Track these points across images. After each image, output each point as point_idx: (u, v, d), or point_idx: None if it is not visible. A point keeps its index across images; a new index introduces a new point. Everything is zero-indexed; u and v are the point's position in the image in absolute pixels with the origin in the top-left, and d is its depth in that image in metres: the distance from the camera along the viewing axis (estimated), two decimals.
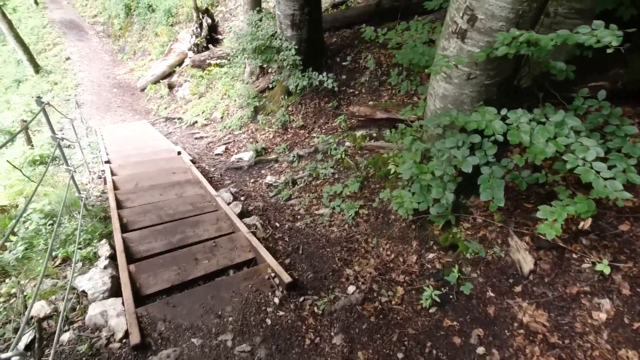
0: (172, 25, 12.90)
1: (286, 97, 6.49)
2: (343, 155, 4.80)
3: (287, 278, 2.93)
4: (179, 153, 5.87)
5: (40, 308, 2.47)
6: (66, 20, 16.55)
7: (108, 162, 5.48)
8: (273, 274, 3.03)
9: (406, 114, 3.50)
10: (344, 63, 6.34)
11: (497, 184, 2.54)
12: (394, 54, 5.31)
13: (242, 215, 4.09)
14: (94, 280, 2.74)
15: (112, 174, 5.02)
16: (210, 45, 9.48)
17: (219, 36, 10.09)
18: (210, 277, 3.18)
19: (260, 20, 6.19)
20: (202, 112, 8.22)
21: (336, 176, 4.64)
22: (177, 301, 2.71)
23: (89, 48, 14.96)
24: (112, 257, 3.13)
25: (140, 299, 2.82)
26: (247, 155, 5.60)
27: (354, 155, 4.80)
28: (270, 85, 7.09)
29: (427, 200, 3.12)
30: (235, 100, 7.55)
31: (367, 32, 4.01)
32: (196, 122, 8.06)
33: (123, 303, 2.59)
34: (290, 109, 6.22)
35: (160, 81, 11.09)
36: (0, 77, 14.16)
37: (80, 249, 3.22)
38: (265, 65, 7.72)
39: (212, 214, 3.98)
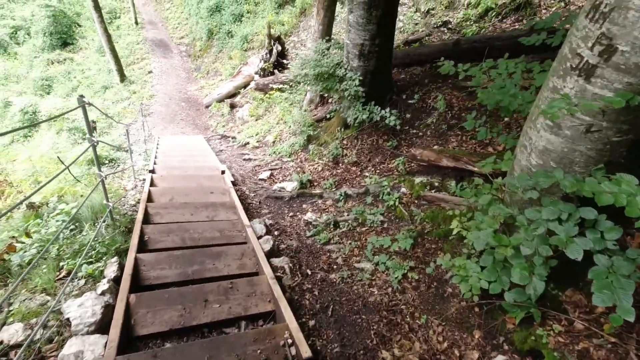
0: (245, 50, 13.50)
1: (342, 129, 6.07)
2: (397, 203, 4.15)
3: (306, 351, 2.29)
4: (223, 172, 5.62)
5: (13, 333, 2.09)
6: (157, 40, 18.22)
7: (152, 171, 5.37)
8: (290, 341, 2.41)
9: (486, 166, 2.82)
10: (410, 101, 5.82)
11: (622, 285, 1.75)
12: (471, 96, 4.68)
13: (271, 253, 3.57)
14: (84, 308, 2.33)
15: (152, 184, 4.85)
16: (275, 71, 9.58)
17: (286, 62, 10.19)
18: (217, 326, 2.65)
19: (328, 49, 5.95)
20: (256, 134, 8.11)
21: (385, 226, 3.98)
22: (166, 356, 2.19)
23: (170, 65, 16.17)
24: (117, 280, 2.75)
25: (129, 339, 2.35)
26: (290, 186, 5.17)
27: (409, 205, 4.13)
28: (328, 116, 6.76)
29: (501, 281, 2.36)
30: (290, 126, 7.32)
31: (445, 66, 3.46)
32: (248, 143, 7.94)
33: (106, 345, 2.13)
34: (344, 142, 5.77)
35: (225, 100, 11.41)
36: (93, 82, 15.72)
37: (89, 263, 2.90)
38: (325, 95, 7.48)
39: (238, 246, 3.51)
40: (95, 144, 3.08)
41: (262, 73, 9.94)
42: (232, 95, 11.48)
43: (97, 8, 12.75)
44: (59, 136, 11.48)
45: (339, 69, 5.38)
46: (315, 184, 5.18)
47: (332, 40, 6.38)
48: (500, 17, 7.01)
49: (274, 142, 7.36)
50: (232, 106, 10.61)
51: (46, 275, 2.65)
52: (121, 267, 2.89)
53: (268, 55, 9.86)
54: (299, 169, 5.80)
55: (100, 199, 3.72)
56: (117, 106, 12.81)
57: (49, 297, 2.48)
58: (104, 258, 3.05)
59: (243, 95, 10.70)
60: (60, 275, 2.79)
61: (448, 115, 5.28)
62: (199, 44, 16.95)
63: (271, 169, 6.16)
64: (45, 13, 18.95)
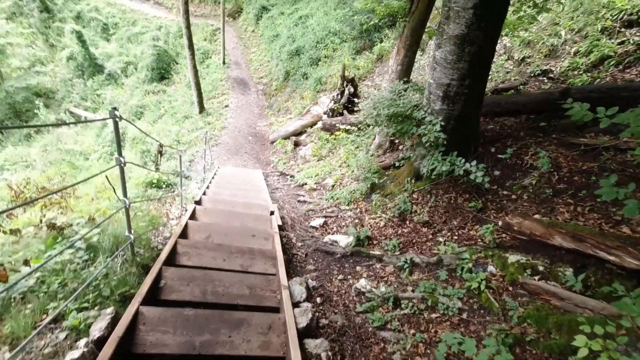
0: (318, 91, 13.54)
1: (413, 180, 5.19)
2: (482, 286, 3.08)
3: None
4: (272, 213, 5.01)
5: None
6: (239, 78, 19.49)
7: (198, 202, 4.96)
8: None
9: None
10: (500, 156, 4.79)
11: None
12: (587, 155, 3.62)
13: (307, 331, 2.72)
14: None
15: (193, 216, 4.39)
16: (345, 112, 9.18)
17: (357, 103, 9.78)
18: None
19: (405, 90, 5.29)
20: (315, 175, 7.54)
21: (465, 317, 2.92)
22: None
23: (246, 101, 16.95)
24: (101, 343, 2.11)
25: None
26: (344, 240, 4.34)
27: (500, 292, 3.03)
28: (397, 164, 5.95)
29: None
30: (353, 171, 6.62)
31: (576, 110, 2.51)
32: (306, 183, 7.37)
33: None
34: (415, 196, 4.86)
35: (290, 138, 11.26)
36: (177, 112, 17.01)
37: (80, 309, 2.32)
38: (396, 140, 6.73)
39: (267, 315, 2.72)
40: (123, 165, 2.63)
41: (330, 113, 9.62)
42: (298, 133, 11.30)
43: (190, 47, 13.93)
44: (137, 156, 12.21)
45: (416, 111, 4.63)
46: (375, 242, 4.28)
47: (411, 82, 5.72)
48: (621, 67, 5.80)
49: (333, 186, 6.69)
50: (296, 144, 10.35)
51: (24, 319, 2.12)
52: (114, 323, 2.27)
53: (339, 96, 9.56)
54: (357, 221, 4.97)
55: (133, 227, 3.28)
56: (191, 134, 13.44)
57: (7, 354, 1.91)
58: (103, 304, 2.47)
59: (309, 134, 10.43)
60: (44, 321, 2.24)
61: (554, 178, 4.15)
62: (275, 83, 17.67)
63: (326, 216, 5.42)
64: (152, 52, 21.61)
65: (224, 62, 20.67)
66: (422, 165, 4.57)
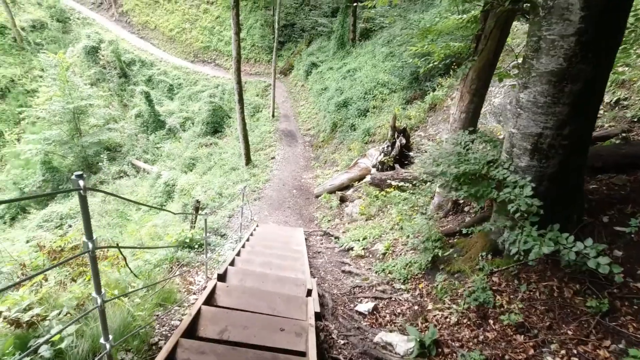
0: (366, 143, 12.89)
1: (490, 256, 3.99)
2: None
3: None
4: (309, 293, 4.03)
5: None
6: (287, 130, 19.68)
7: (221, 277, 4.15)
8: None
9: None
10: (619, 228, 3.49)
11: None
12: None
13: None
14: None
15: (209, 298, 3.55)
16: (397, 166, 8.25)
17: (410, 157, 8.83)
18: None
19: (472, 142, 4.31)
20: (363, 239, 6.51)
21: None
22: None
23: (293, 153, 16.78)
24: None
25: None
26: (402, 344, 3.18)
27: None
28: (465, 231, 4.77)
29: None
30: (408, 236, 5.52)
31: None
32: (352, 248, 6.35)
33: None
34: (495, 280, 3.64)
35: (336, 192, 10.47)
36: (225, 164, 17.26)
37: None
38: (461, 200, 5.59)
39: None
40: (91, 252, 1.88)
41: (380, 167, 8.75)
42: (345, 187, 10.50)
43: (240, 101, 14.26)
44: (179, 209, 12.09)
45: (493, 169, 3.57)
46: (447, 351, 3.06)
47: (478, 132, 4.72)
48: None
49: (384, 254, 5.59)
50: (342, 200, 9.49)
51: None
52: None
53: (389, 148, 8.72)
54: (418, 311, 3.80)
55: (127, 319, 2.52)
56: (235, 187, 13.23)
57: None
58: None
59: (356, 189, 9.56)
60: None
61: None
62: (322, 135, 17.44)
63: (376, 298, 4.31)
64: (207, 107, 22.94)
65: (273, 115, 21.18)
66: (506, 240, 3.41)
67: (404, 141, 8.61)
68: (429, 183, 6.24)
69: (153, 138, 23.75)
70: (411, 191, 6.53)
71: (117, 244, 1.95)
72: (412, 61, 4.20)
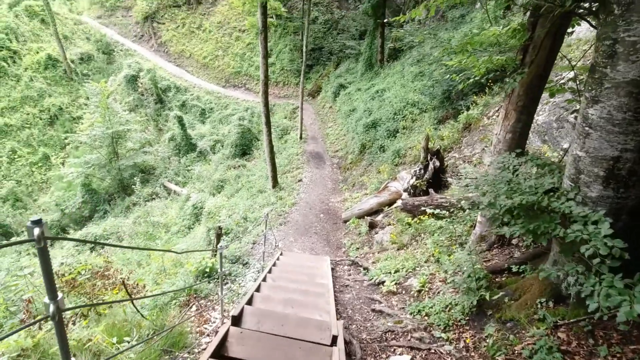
0: (396, 165, 12.32)
1: (551, 303, 3.31)
2: None
3: None
4: (333, 342, 3.49)
5: None
6: (314, 152, 19.47)
7: (236, 320, 3.70)
8: None
9: None
10: None
11: None
12: None
13: None
14: None
15: (219, 349, 3.11)
16: (431, 191, 7.61)
17: (444, 182, 8.18)
18: None
19: (521, 165, 3.72)
20: (395, 271, 5.89)
21: None
22: None
23: (320, 175, 16.44)
24: None
25: None
26: None
27: None
28: (515, 268, 4.09)
29: None
30: (446, 272, 4.88)
31: None
32: (383, 282, 5.75)
33: None
34: (563, 337, 2.95)
35: (365, 217, 9.91)
36: (252, 186, 17.19)
37: None
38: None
39: None
40: (55, 317, 1.51)
41: (412, 191, 8.15)
42: (374, 212, 9.92)
43: (268, 124, 14.22)
44: (204, 234, 11.93)
45: (555, 200, 2.96)
46: None
47: (528, 155, 4.10)
48: None
49: (419, 291, 4.96)
50: (372, 226, 8.91)
51: None
52: None
53: (422, 171, 8.12)
54: None
55: None
56: (261, 210, 12.96)
57: None
58: None
59: (386, 215, 8.97)
60: None
61: None
62: (350, 157, 17.04)
63: (412, 348, 3.70)
64: (237, 130, 23.31)
65: (300, 137, 21.11)
66: (573, 286, 2.75)
67: (437, 164, 8.00)
68: (468, 210, 5.60)
69: (184, 160, 24.35)
70: (448, 219, 5.88)
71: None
72: (449, 77, 3.77)
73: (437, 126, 12.15)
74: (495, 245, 4.80)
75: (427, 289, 4.90)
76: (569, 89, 3.92)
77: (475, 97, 10.82)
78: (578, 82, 3.73)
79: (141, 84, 29.99)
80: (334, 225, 11.04)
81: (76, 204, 22.14)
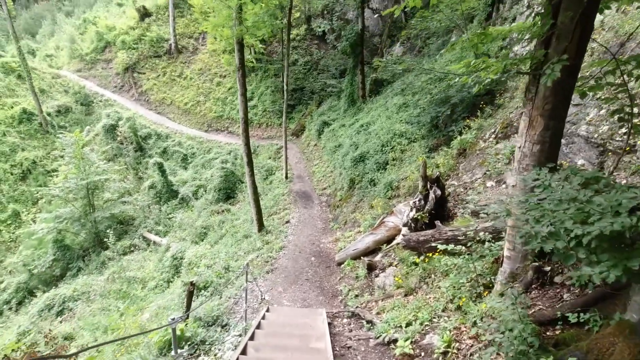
0: (389, 198, 11.47)
1: None
2: None
3: None
4: None
5: None
6: (301, 191, 18.57)
7: None
8: None
9: None
10: None
11: None
12: None
13: None
14: None
15: None
16: (437, 223, 6.67)
17: (448, 212, 7.30)
18: None
19: (558, 181, 2.89)
20: (407, 325, 4.79)
21: None
22: None
23: (309, 215, 15.42)
24: None
25: None
26: None
27: None
28: (572, 318, 3.09)
29: None
30: (475, 323, 3.83)
31: None
32: (395, 341, 4.61)
33: None
34: None
35: (361, 258, 8.84)
36: (237, 231, 15.98)
37: None
38: (546, 267, 3.93)
39: None
40: None
41: (413, 225, 7.20)
42: (372, 251, 8.87)
43: (250, 163, 13.41)
44: (180, 288, 10.54)
45: None
46: None
47: (569, 168, 3.27)
48: None
49: (445, 353, 3.86)
50: (371, 267, 7.83)
51: None
52: None
53: (422, 202, 7.24)
54: None
55: None
56: (247, 257, 11.73)
57: None
58: None
59: (386, 254, 7.93)
60: None
61: None
62: (339, 193, 16.18)
63: None
64: (220, 174, 22.39)
65: (286, 177, 20.29)
66: None
67: (438, 192, 7.15)
68: (488, 243, 4.66)
69: (165, 208, 23.03)
70: (466, 256, 4.90)
71: None
72: (460, 80, 3.12)
73: (429, 154, 11.53)
74: (533, 285, 3.82)
75: (454, 350, 3.80)
76: (607, 85, 3.20)
77: (468, 120, 10.32)
78: (621, 77, 3.01)
79: (120, 132, 29.20)
80: (327, 269, 9.87)
81: (46, 263, 20.30)
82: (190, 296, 5.86)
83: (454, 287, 4.68)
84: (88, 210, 22.04)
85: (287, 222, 14.43)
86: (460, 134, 10.30)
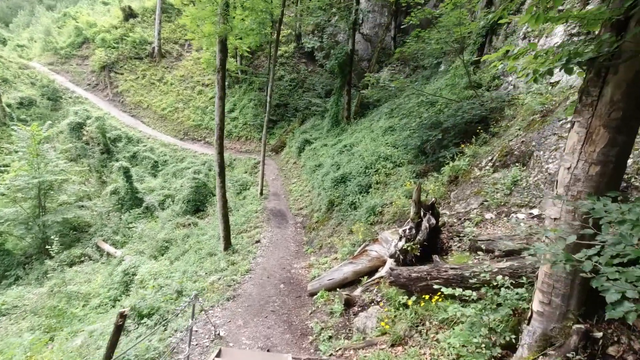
0: (371, 224, 10.48)
1: None
2: None
3: None
4: None
5: None
6: (276, 210, 17.34)
7: None
8: None
9: None
10: None
11: None
12: None
13: None
14: None
15: None
16: (435, 257, 5.65)
17: (442, 245, 6.34)
18: None
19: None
20: None
21: None
22: None
23: (282, 235, 14.19)
24: None
25: None
26: None
27: None
28: None
29: None
30: None
31: None
32: None
33: None
34: None
35: (338, 290, 7.71)
36: (202, 247, 14.50)
37: None
38: (584, 324, 2.97)
39: None
40: None
41: (402, 257, 6.18)
42: (350, 283, 7.77)
43: (222, 174, 12.19)
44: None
45: None
46: None
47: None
48: None
49: None
50: (349, 303, 6.70)
51: None
52: None
53: (413, 231, 6.26)
54: None
55: None
56: (207, 279, 10.29)
57: None
58: None
59: (367, 288, 6.83)
60: None
61: None
62: (316, 215, 15.07)
63: None
64: (190, 184, 20.85)
65: (261, 193, 19.02)
66: None
67: (433, 221, 6.22)
68: (504, 289, 3.69)
69: (127, 217, 21.09)
70: (478, 308, 3.84)
71: None
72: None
73: (416, 180, 10.72)
74: (578, 357, 2.83)
75: None
76: None
77: (462, 145, 9.62)
78: None
79: (87, 132, 27.18)
80: (297, 299, 8.61)
81: None
82: (117, 333, 4.48)
83: (461, 344, 3.64)
84: (37, 213, 19.84)
85: (258, 241, 13.12)
86: (453, 159, 9.57)
